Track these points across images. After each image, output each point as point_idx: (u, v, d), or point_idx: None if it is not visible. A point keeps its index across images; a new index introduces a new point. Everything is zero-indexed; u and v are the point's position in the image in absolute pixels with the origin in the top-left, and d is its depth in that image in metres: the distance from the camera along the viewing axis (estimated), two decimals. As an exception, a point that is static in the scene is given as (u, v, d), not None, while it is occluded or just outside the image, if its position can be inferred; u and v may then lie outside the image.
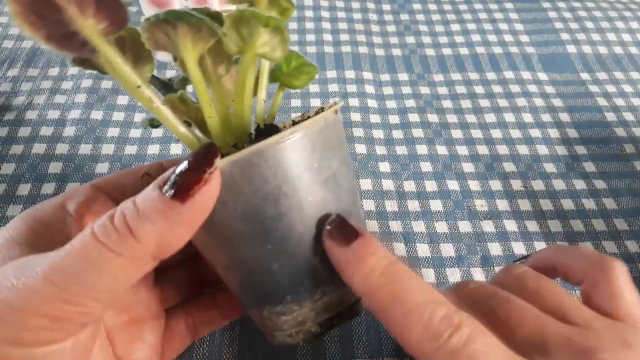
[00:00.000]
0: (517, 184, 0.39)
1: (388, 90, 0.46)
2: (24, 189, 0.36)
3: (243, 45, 0.20)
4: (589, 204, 0.38)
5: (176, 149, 0.40)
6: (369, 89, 0.46)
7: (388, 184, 0.38)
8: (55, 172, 0.37)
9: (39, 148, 0.39)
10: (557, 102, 0.46)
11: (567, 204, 0.38)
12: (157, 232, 0.17)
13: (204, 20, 0.19)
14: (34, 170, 0.38)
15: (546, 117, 0.44)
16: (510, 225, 0.36)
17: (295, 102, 0.44)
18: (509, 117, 0.44)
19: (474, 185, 0.39)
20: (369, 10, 0.56)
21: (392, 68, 0.49)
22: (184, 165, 0.18)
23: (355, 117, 0.43)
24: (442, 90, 0.46)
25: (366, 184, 0.38)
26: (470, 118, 0.44)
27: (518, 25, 0.54)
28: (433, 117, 0.44)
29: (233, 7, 0.21)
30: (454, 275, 0.33)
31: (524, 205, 0.37)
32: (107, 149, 0.39)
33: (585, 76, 0.49)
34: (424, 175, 0.39)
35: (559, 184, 0.39)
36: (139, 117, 0.42)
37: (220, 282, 0.24)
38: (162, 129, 0.41)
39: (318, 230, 0.21)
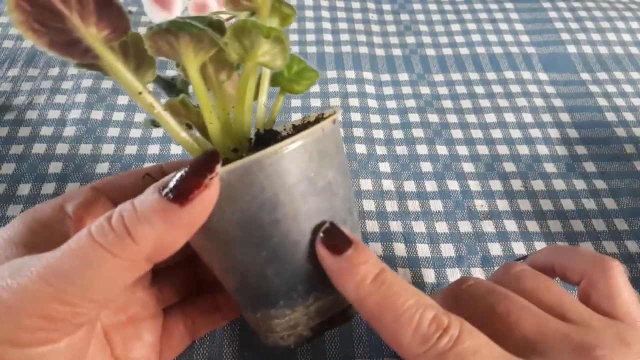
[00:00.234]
0: (517, 184, 0.39)
1: (388, 90, 0.46)
2: (24, 189, 0.36)
3: (244, 54, 0.21)
4: (589, 204, 0.38)
5: (176, 150, 0.40)
6: (369, 89, 0.46)
7: (388, 184, 0.38)
8: (55, 172, 0.38)
9: (39, 148, 0.39)
10: (558, 102, 0.46)
11: (567, 204, 0.38)
12: (155, 234, 0.17)
13: (205, 31, 0.19)
14: (34, 170, 0.38)
15: (546, 117, 0.44)
16: (511, 225, 0.36)
17: (296, 102, 0.44)
18: (509, 117, 0.44)
19: (474, 185, 0.39)
20: (369, 10, 0.56)
21: (392, 68, 0.49)
22: (185, 169, 0.18)
23: (356, 117, 0.43)
24: (443, 90, 0.46)
25: (366, 184, 0.38)
26: (471, 118, 0.44)
27: (518, 25, 0.54)
28: (433, 117, 0.44)
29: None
30: (454, 276, 0.33)
31: (524, 205, 0.37)
32: (107, 149, 0.39)
33: (585, 76, 0.49)
34: (424, 175, 0.39)
35: (559, 184, 0.39)
36: (139, 117, 0.42)
37: (219, 283, 0.24)
38: (163, 129, 0.41)
39: (312, 237, 0.21)
